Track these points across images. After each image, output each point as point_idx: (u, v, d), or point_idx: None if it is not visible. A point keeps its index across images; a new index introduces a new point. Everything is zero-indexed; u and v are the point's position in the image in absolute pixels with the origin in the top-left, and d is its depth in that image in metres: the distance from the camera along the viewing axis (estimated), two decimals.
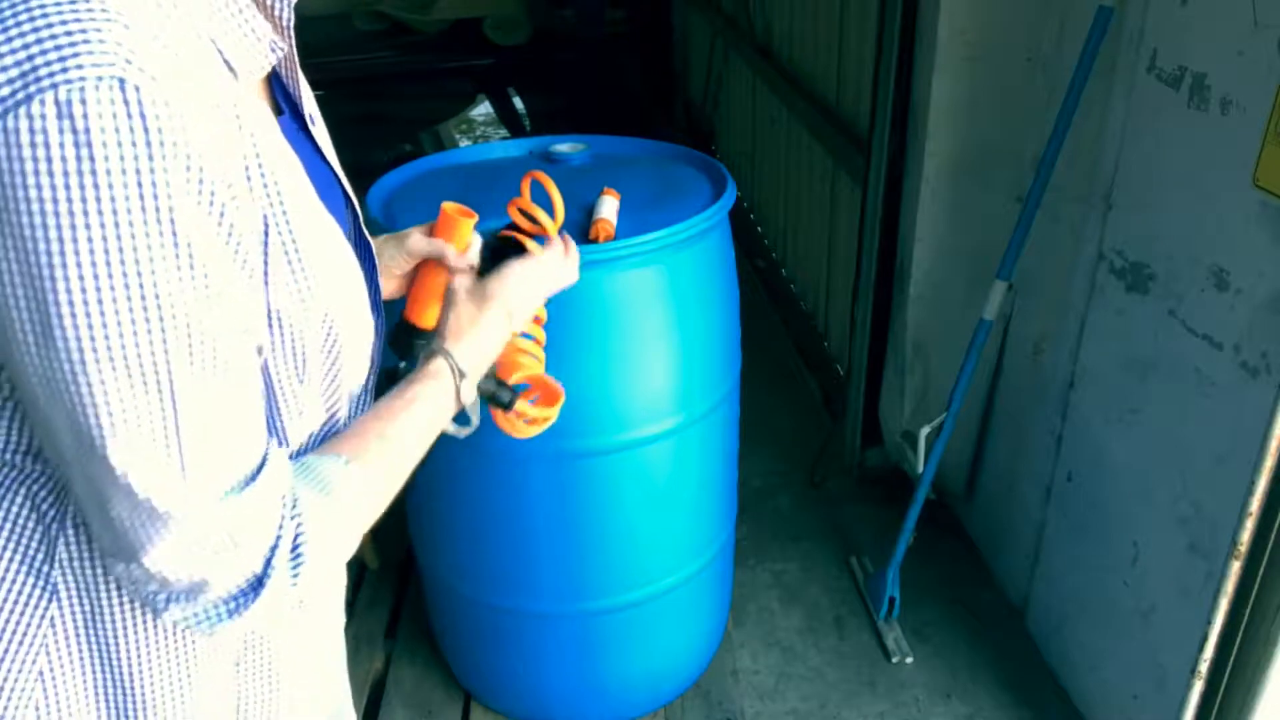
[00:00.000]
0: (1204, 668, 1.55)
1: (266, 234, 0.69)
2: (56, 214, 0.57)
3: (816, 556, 2.52)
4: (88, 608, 0.74)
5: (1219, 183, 1.50)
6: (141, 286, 0.59)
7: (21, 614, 0.73)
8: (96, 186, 0.57)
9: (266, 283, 0.70)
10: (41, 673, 0.74)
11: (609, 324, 1.65)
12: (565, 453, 1.70)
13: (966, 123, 2.22)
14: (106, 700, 0.77)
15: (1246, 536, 1.43)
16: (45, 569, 0.73)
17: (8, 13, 0.58)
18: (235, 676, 0.84)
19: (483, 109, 6.40)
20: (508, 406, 1.03)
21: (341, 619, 1.03)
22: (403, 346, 1.00)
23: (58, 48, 0.56)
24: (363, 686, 2.14)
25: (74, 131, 0.56)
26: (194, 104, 0.61)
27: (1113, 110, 1.78)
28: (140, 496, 0.63)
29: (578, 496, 1.76)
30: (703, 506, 1.92)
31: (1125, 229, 1.77)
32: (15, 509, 0.72)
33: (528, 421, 1.07)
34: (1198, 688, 1.57)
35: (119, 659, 0.76)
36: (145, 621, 0.76)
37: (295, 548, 0.71)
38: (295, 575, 0.71)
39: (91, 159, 0.56)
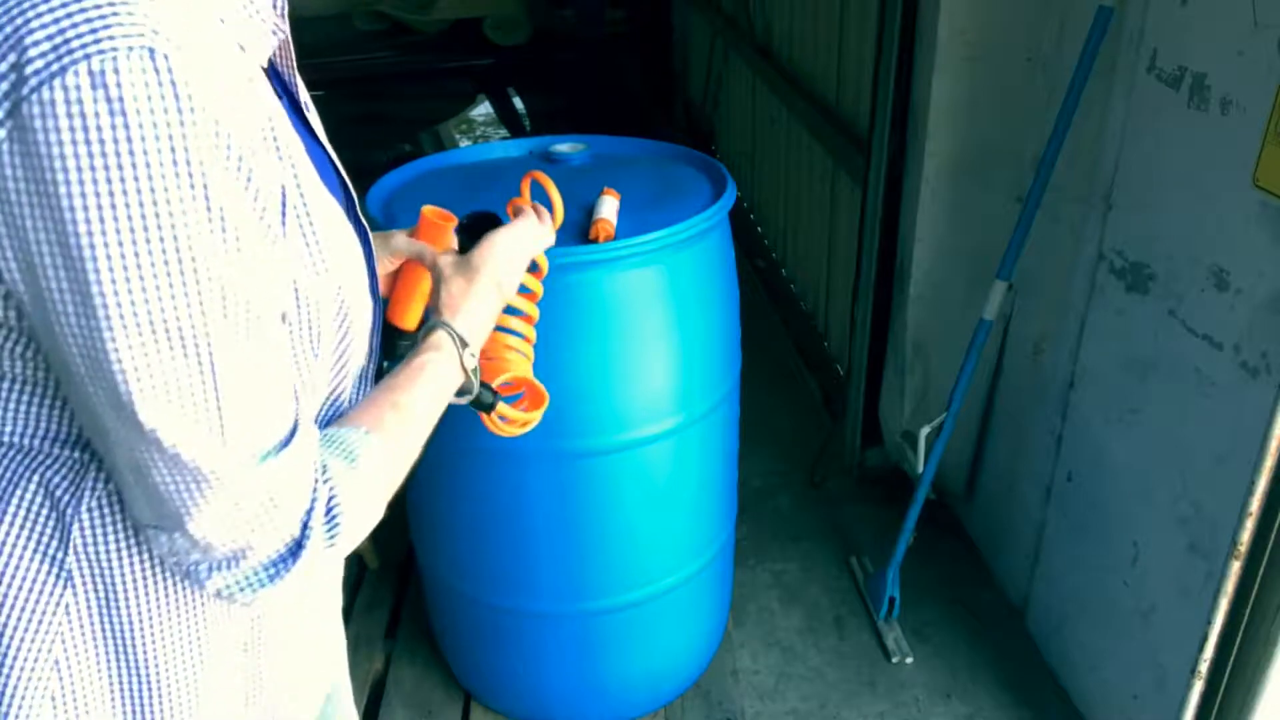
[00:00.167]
0: (1204, 668, 1.55)
1: (284, 203, 0.70)
2: (95, 181, 0.58)
3: (816, 556, 2.52)
4: (102, 594, 0.74)
5: (1219, 183, 1.50)
6: (179, 250, 0.61)
7: (36, 602, 0.73)
8: (132, 154, 0.58)
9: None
10: (58, 661, 0.74)
11: (609, 324, 1.65)
12: (565, 453, 1.70)
13: (966, 123, 2.22)
14: (121, 687, 0.77)
15: (1246, 536, 1.43)
16: (60, 555, 0.73)
17: None
18: (243, 659, 0.85)
19: (483, 109, 6.40)
20: (489, 408, 1.03)
21: (339, 599, 1.04)
22: (387, 348, 1.01)
23: (88, 20, 0.58)
24: (363, 686, 2.14)
25: (108, 100, 0.57)
26: (218, 73, 0.62)
27: (1113, 110, 1.78)
28: (184, 459, 0.65)
29: (578, 496, 1.76)
30: (703, 506, 1.92)
31: (1125, 229, 1.77)
32: (29, 496, 0.72)
33: (508, 422, 1.06)
34: (1198, 688, 1.57)
35: (133, 644, 0.76)
36: (159, 605, 0.76)
37: (330, 510, 0.73)
38: (332, 537, 0.73)
39: (126, 126, 0.58)
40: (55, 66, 0.57)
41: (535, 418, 1.10)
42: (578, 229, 1.63)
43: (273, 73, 0.81)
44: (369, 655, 2.22)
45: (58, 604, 0.73)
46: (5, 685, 0.74)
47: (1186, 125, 1.58)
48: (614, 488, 1.77)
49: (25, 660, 0.73)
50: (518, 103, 6.57)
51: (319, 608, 0.98)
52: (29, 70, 0.57)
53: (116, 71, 0.57)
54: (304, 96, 0.85)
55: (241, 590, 0.72)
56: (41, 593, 0.73)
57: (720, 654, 2.21)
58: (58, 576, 0.73)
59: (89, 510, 0.73)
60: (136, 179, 0.58)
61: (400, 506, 1.67)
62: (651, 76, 6.18)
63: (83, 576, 0.73)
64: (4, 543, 0.72)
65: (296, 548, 0.72)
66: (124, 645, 0.76)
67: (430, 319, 0.95)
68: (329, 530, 0.73)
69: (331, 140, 0.88)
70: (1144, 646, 1.78)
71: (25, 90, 0.57)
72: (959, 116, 2.21)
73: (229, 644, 0.82)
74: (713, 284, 1.77)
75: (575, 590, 1.86)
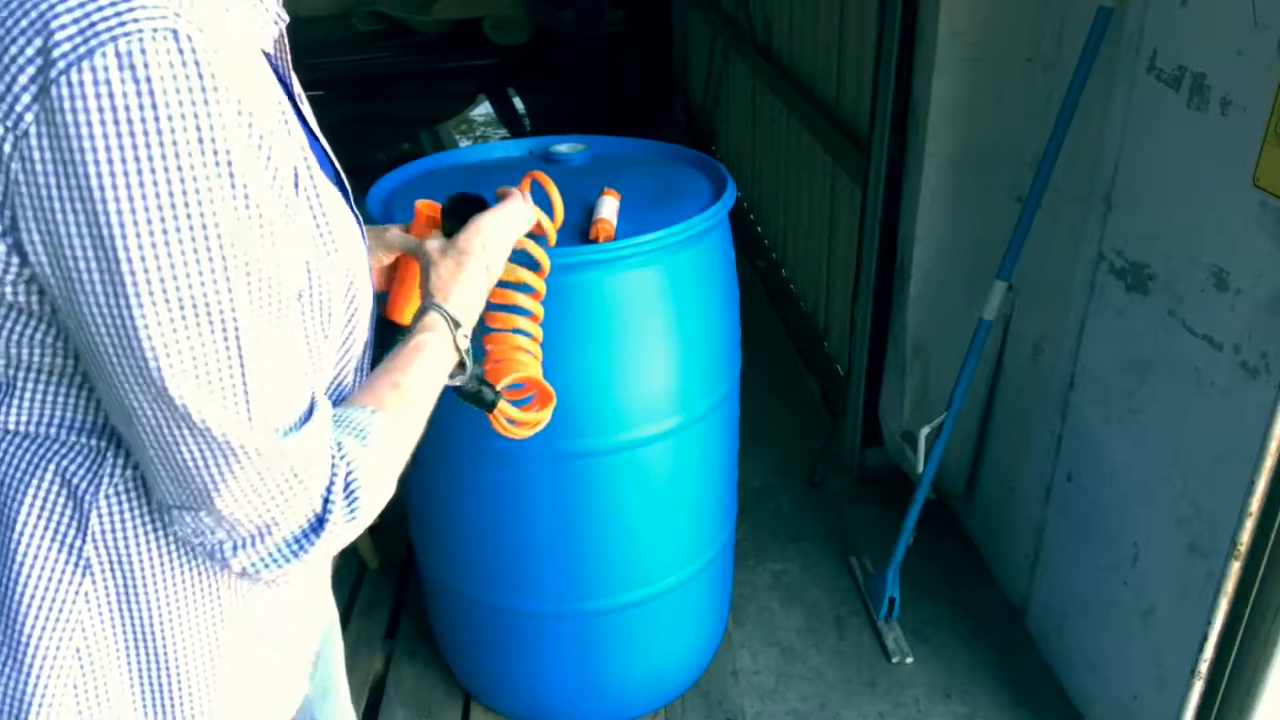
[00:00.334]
0: (1204, 668, 1.55)
1: (297, 183, 0.71)
2: (124, 160, 0.59)
3: (816, 556, 2.52)
4: (121, 581, 0.75)
5: (1219, 183, 1.50)
6: (205, 226, 0.62)
7: (56, 590, 0.73)
8: (160, 132, 0.59)
9: None
10: (78, 649, 0.75)
11: (609, 324, 1.65)
12: (565, 453, 1.70)
13: (966, 123, 2.22)
14: (141, 673, 0.78)
15: (1246, 536, 1.44)
16: (78, 543, 0.73)
17: None
18: (257, 645, 0.86)
19: (483, 109, 6.40)
20: (490, 406, 1.03)
21: (329, 569, 1.07)
22: (384, 343, 1.01)
23: (113, 4, 0.59)
24: (363, 686, 2.14)
25: (135, 80, 0.59)
26: (237, 54, 0.64)
27: (1113, 110, 1.78)
28: (214, 433, 0.66)
29: (578, 497, 1.76)
30: (703, 507, 1.92)
31: (1125, 229, 1.77)
32: (45, 484, 0.72)
33: (514, 423, 1.06)
34: (1198, 688, 1.57)
35: (152, 631, 0.77)
36: (178, 592, 0.77)
37: (349, 485, 0.74)
38: (352, 511, 0.75)
39: (154, 105, 0.59)
40: (83, 49, 0.58)
41: (545, 418, 1.10)
42: (578, 229, 1.63)
43: (270, 63, 0.82)
44: (369, 655, 2.22)
45: (77, 592, 0.74)
46: (28, 673, 0.74)
47: (1186, 125, 1.58)
48: (614, 488, 1.77)
49: (47, 649, 0.74)
50: (518, 103, 6.57)
51: (317, 584, 1.00)
52: (56, 54, 0.59)
53: (144, 53, 0.59)
54: (298, 88, 0.86)
55: (266, 567, 0.73)
56: (61, 581, 0.73)
57: (720, 654, 2.21)
58: (76, 565, 0.73)
59: (107, 498, 0.73)
60: (164, 157, 0.60)
61: (400, 506, 1.67)
62: (651, 76, 6.17)
63: (101, 564, 0.74)
64: (22, 532, 0.72)
65: (319, 523, 0.73)
66: (143, 632, 0.76)
67: (423, 301, 0.96)
68: (349, 504, 0.74)
69: (331, 140, 0.89)
70: (1144, 646, 1.78)
71: (54, 73, 0.58)
72: (959, 116, 2.21)
73: (246, 629, 0.83)
74: (713, 284, 1.77)
75: (575, 590, 1.86)
